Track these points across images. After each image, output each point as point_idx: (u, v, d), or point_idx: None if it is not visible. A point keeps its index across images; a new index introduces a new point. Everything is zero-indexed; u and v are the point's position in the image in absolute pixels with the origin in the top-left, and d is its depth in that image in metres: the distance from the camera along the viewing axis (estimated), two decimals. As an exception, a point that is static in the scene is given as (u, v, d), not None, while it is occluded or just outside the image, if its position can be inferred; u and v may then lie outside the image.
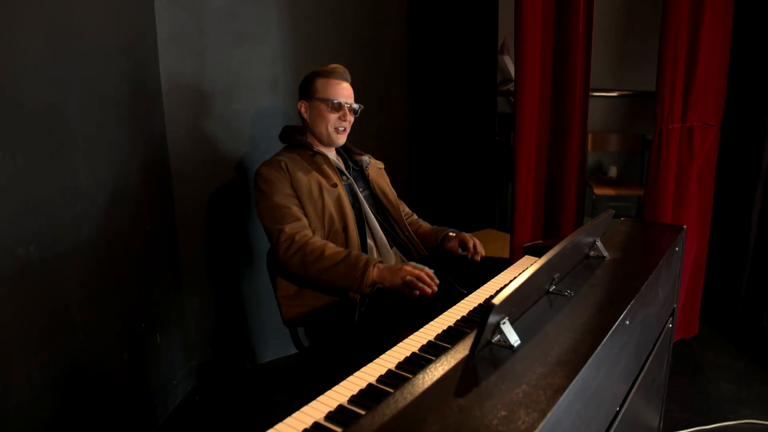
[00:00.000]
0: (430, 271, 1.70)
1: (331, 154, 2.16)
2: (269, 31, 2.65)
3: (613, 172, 4.20)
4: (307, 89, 2.09)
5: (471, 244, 2.04)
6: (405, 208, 2.31)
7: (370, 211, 2.11)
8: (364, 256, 1.80)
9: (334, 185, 2.02)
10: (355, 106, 2.10)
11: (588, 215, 3.57)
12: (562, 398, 0.92)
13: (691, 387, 2.63)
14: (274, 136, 2.76)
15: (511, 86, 4.77)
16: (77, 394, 1.92)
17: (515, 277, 1.83)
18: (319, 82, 2.05)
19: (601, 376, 1.14)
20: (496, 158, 4.00)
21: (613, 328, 1.19)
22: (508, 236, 3.49)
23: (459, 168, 3.67)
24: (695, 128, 2.48)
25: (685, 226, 1.85)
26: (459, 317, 1.53)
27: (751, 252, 2.95)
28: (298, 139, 2.11)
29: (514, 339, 1.11)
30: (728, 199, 2.92)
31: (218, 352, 2.82)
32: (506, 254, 2.97)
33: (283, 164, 1.97)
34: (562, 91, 2.57)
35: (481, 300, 1.66)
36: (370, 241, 2.08)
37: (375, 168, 2.25)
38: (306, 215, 1.96)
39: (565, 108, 2.57)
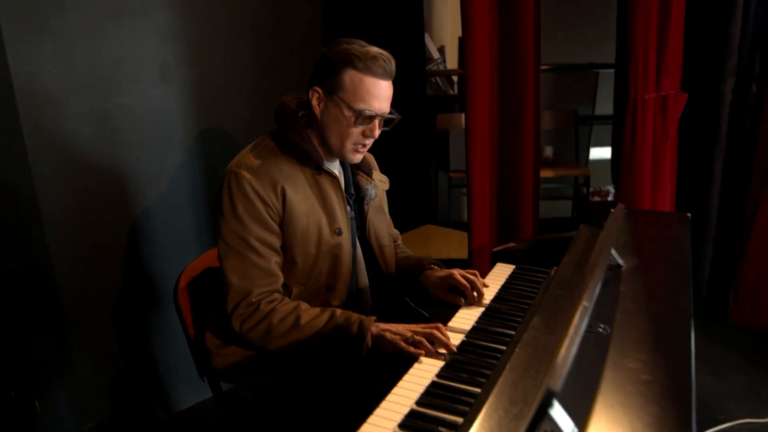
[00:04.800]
0: (443, 328, 1.24)
1: (335, 165, 1.53)
2: (154, 5, 2.14)
3: (548, 152, 3.94)
4: (330, 77, 1.39)
5: (470, 292, 1.46)
6: (397, 241, 1.80)
7: (364, 267, 1.59)
8: (354, 315, 1.34)
9: (339, 231, 1.47)
10: (393, 116, 1.44)
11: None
12: None
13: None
14: (166, 134, 2.27)
15: (432, 66, 4.42)
16: None
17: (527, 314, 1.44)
18: (351, 77, 1.37)
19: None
20: (427, 145, 3.63)
21: (693, 386, 0.83)
22: (450, 232, 3.20)
23: (391, 158, 3.26)
24: (669, 97, 2.21)
25: (689, 214, 1.54)
26: (440, 366, 1.14)
27: (713, 230, 2.74)
28: (300, 144, 1.44)
29: (569, 428, 0.72)
30: (687, 174, 2.69)
31: (122, 406, 2.31)
32: (456, 254, 2.65)
33: (279, 187, 1.39)
34: (513, 68, 2.24)
35: (461, 335, 1.26)
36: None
37: (377, 202, 1.65)
38: (283, 264, 1.44)
39: (518, 87, 2.24)
